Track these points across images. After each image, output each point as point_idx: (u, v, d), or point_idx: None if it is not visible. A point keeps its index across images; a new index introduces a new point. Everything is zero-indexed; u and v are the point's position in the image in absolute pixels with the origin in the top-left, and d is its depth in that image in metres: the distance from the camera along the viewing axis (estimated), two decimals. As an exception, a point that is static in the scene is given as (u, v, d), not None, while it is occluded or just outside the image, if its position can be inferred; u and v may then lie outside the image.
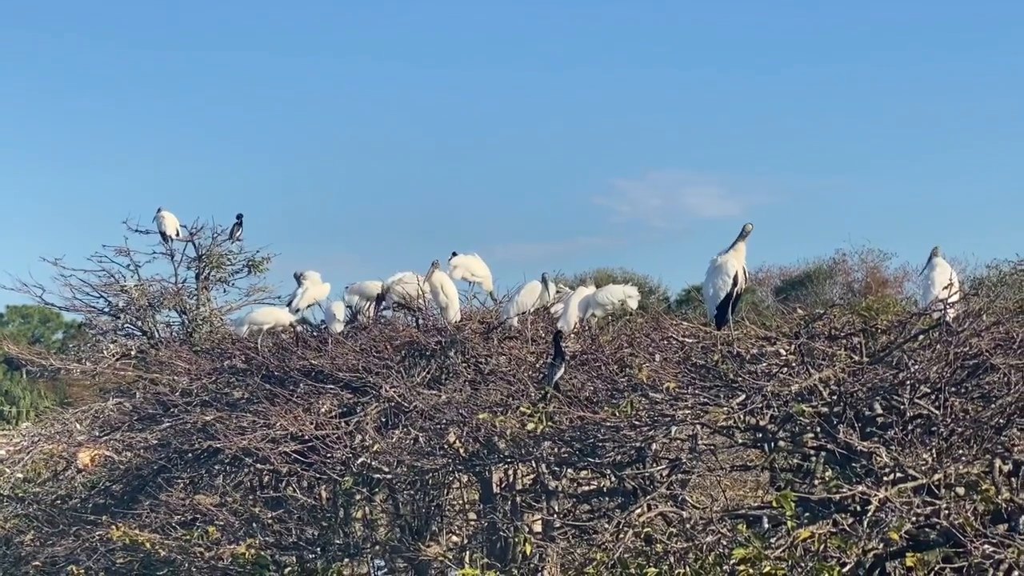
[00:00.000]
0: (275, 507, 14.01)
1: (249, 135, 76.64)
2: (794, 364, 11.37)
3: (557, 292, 16.82)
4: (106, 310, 26.75)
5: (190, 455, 15.70)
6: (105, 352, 25.57)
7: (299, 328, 18.19)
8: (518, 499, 13.09)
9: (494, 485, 14.03)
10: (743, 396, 10.87)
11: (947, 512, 9.08)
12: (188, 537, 13.25)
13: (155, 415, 16.79)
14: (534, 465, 12.86)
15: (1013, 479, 9.72)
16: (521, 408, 12.19)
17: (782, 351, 11.78)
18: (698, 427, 11.18)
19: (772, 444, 11.37)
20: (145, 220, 26.21)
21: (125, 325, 26.58)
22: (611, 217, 76.45)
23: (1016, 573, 8.67)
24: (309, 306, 18.42)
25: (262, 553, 12.96)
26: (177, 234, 26.19)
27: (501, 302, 17.22)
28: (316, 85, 79.97)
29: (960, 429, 10.24)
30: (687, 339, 12.94)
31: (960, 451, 9.93)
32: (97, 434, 17.88)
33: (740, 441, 11.57)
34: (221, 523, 13.50)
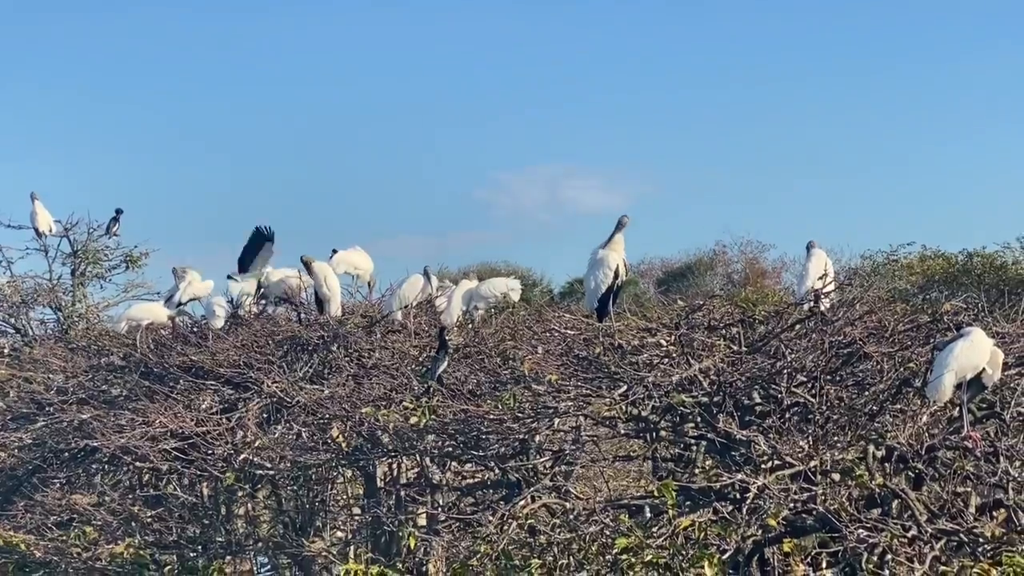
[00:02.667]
0: (155, 505, 13.81)
1: (126, 128, 75.28)
2: (675, 355, 11.51)
3: (440, 285, 16.83)
4: (-24, 307, 26.15)
5: (66, 454, 15.40)
6: (-24, 350, 24.99)
7: (178, 322, 17.97)
8: (402, 493, 13.06)
9: (378, 479, 14.00)
10: (625, 387, 10.98)
11: (823, 498, 9.25)
12: (65, 538, 13.00)
13: (29, 414, 16.43)
14: (418, 459, 12.86)
15: (886, 464, 9.93)
16: (404, 402, 12.18)
17: (663, 342, 11.92)
18: (581, 418, 11.26)
19: (654, 434, 11.50)
20: (17, 215, 25.65)
21: (-3, 322, 26.01)
22: (493, 211, 76.52)
23: (889, 556, 8.87)
24: (189, 301, 18.19)
25: (141, 552, 12.77)
26: (51, 230, 25.67)
27: (383, 296, 17.18)
28: (194, 78, 78.85)
29: (835, 416, 10.45)
30: (569, 331, 13.02)
31: (835, 438, 10.14)
32: (-31, 434, 17.48)
33: (622, 432, 11.67)
34: (99, 523, 13.27)
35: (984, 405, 10.83)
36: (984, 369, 9.89)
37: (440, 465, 12.98)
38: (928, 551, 8.73)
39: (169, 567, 13.05)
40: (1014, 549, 8.29)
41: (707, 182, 71.22)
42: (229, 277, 17.74)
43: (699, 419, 10.87)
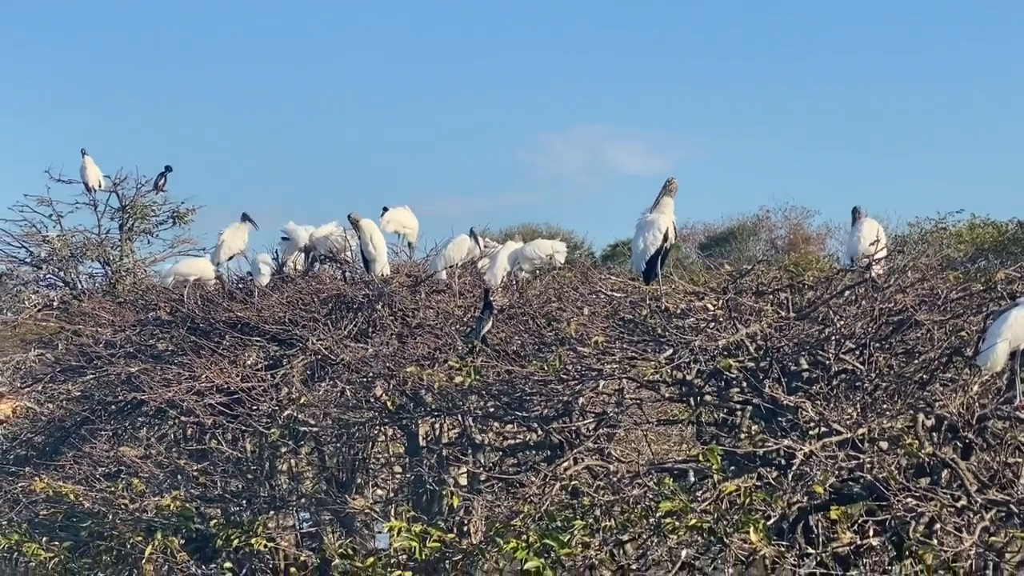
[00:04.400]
0: (200, 459, 13.91)
1: (176, 85, 75.54)
2: (721, 319, 11.42)
3: (485, 246, 16.78)
4: (28, 260, 26.41)
5: (114, 407, 15.54)
6: (26, 303, 25.25)
7: (225, 279, 18.02)
8: (444, 452, 13.07)
9: (420, 438, 14.02)
10: (670, 351, 10.90)
11: (871, 466, 9.16)
12: (112, 489, 13.12)
13: (78, 367, 16.56)
14: (460, 418, 12.85)
15: (935, 433, 9.83)
16: (448, 362, 12.17)
17: (709, 306, 11.82)
18: (625, 381, 11.20)
19: (698, 398, 11.43)
20: (68, 170, 25.86)
21: (47, 276, 26.25)
22: (535, 172, 76.35)
23: (938, 526, 8.79)
24: (230, 258, 18.19)
25: (187, 505, 12.86)
26: (100, 185, 25.83)
27: (428, 256, 17.16)
28: (243, 36, 79.01)
29: (884, 384, 10.33)
30: (615, 294, 12.95)
31: (884, 406, 10.03)
32: (19, 385, 17.66)
33: (666, 395, 11.62)
34: (146, 475, 13.38)
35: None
36: (1042, 340, 9.75)
37: (482, 425, 12.97)
38: (977, 521, 8.64)
39: (214, 520, 13.13)
40: (1064, 521, 8.20)
41: (752, 148, 70.75)
42: (284, 239, 17.73)
43: (745, 384, 10.79)
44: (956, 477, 9.21)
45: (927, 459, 9.31)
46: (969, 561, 8.74)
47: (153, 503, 12.79)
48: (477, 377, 11.49)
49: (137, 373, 14.75)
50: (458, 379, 11.50)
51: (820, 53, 73.30)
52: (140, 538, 13.05)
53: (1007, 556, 9.30)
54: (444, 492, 11.24)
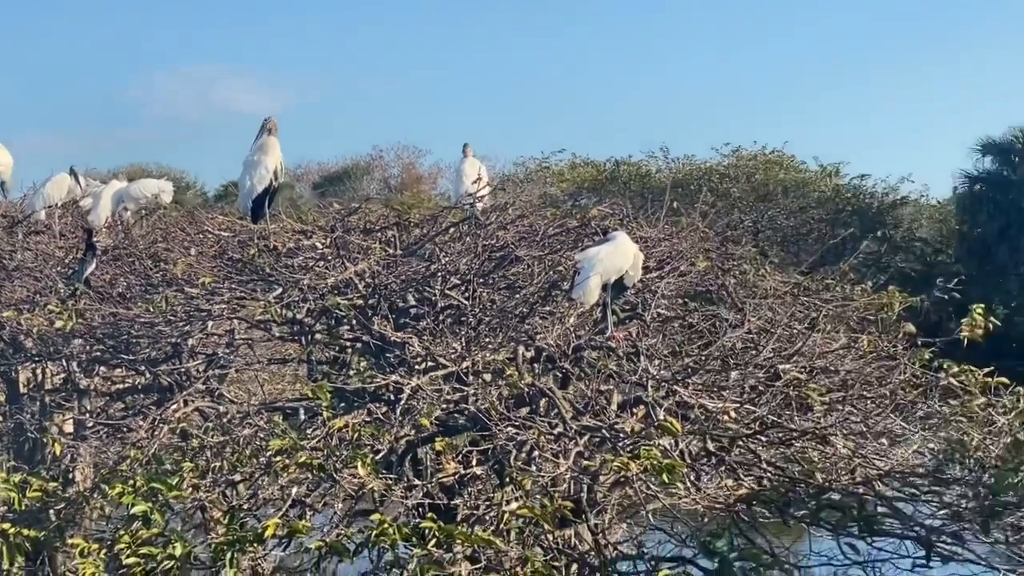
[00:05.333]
0: None
1: None
2: (330, 257, 11.49)
3: (87, 186, 16.18)
4: None
5: None
6: None
7: None
8: (47, 399, 12.61)
9: (21, 385, 13.46)
10: (279, 290, 10.90)
11: (475, 398, 9.47)
12: None
13: None
14: (64, 364, 12.42)
15: (535, 365, 10.25)
16: (49, 305, 11.73)
17: (318, 245, 11.87)
18: (235, 321, 11.12)
19: (309, 337, 11.48)
20: None
21: None
22: (146, 110, 74.02)
23: (536, 453, 9.18)
24: None
25: None
26: None
27: (25, 196, 16.41)
28: None
29: (487, 318, 10.69)
30: (223, 233, 12.80)
31: (487, 339, 10.37)
32: None
33: (277, 335, 11.61)
34: None
35: (627, 307, 11.32)
36: (627, 272, 10.31)
37: (88, 370, 12.58)
38: (572, 447, 9.07)
39: None
40: (651, 443, 8.70)
41: (365, 88, 71.07)
42: None
43: (354, 322, 10.91)
44: (554, 405, 9.64)
45: (527, 389, 9.69)
46: (565, 485, 9.18)
47: None
48: (80, 320, 11.13)
49: None
50: (59, 323, 11.11)
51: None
52: None
53: (601, 479, 9.83)
54: (47, 440, 10.85)
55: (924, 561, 9.24)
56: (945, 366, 11.19)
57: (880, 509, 9.47)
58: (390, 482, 8.84)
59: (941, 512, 9.69)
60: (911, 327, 12.04)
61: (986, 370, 11.09)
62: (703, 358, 10.61)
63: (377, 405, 9.79)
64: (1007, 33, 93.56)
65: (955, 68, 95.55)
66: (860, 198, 48.11)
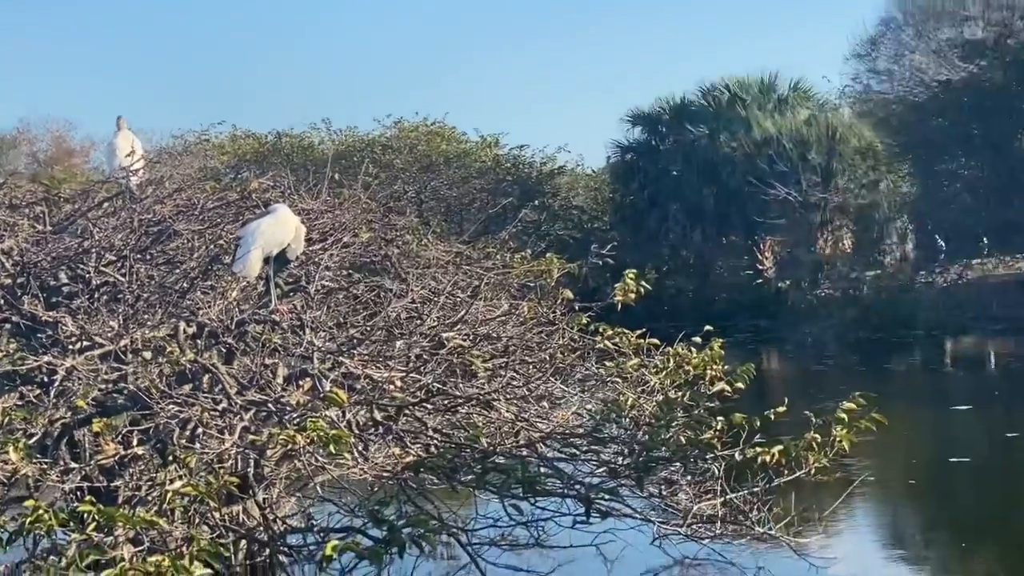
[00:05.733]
0: None
1: None
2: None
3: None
4: None
5: None
6: None
7: None
8: None
9: None
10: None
11: (134, 376, 9.20)
12: None
13: None
14: None
15: (197, 340, 10.04)
16: None
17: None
18: None
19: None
20: None
21: None
22: None
23: (200, 430, 9.01)
24: None
25: None
26: None
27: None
28: None
29: (146, 295, 10.40)
30: None
31: (147, 316, 10.09)
32: None
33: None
34: None
35: (291, 280, 11.23)
36: (289, 244, 10.23)
37: None
38: (238, 422, 8.95)
39: None
40: (317, 414, 8.67)
41: (8, 58, 67.81)
42: None
43: (2, 301, 10.41)
44: (217, 381, 9.47)
45: (189, 366, 9.49)
46: (231, 461, 9.06)
47: None
48: None
49: None
50: None
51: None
52: None
53: (268, 453, 9.75)
54: None
55: (584, 518, 9.59)
56: (601, 329, 11.63)
57: (543, 470, 9.76)
58: (45, 466, 8.51)
59: (600, 470, 10.10)
60: (569, 293, 12.43)
61: (638, 332, 11.59)
62: (368, 329, 10.65)
63: (30, 388, 9.39)
64: (656, 7, 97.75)
65: (608, 41, 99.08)
66: (519, 168, 49.36)
